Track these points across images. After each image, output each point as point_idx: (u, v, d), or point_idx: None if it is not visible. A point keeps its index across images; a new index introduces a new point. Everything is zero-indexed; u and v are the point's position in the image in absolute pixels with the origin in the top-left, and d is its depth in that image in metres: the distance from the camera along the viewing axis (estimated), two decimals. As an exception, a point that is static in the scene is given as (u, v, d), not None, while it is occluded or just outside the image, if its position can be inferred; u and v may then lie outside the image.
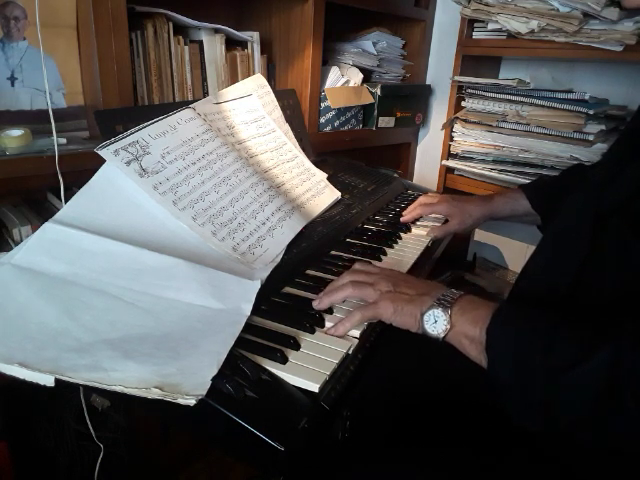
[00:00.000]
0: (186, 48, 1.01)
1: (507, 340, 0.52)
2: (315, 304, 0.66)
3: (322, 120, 1.30)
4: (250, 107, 0.97)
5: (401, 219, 1.02)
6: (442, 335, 0.56)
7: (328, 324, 0.63)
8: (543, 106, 1.26)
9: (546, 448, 0.59)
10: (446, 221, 1.03)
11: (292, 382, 0.52)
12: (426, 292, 0.60)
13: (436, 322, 0.57)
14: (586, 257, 0.60)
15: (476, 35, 1.38)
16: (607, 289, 0.57)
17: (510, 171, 1.35)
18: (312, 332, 0.60)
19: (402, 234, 0.97)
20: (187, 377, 0.48)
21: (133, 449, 1.07)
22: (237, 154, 0.84)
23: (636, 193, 0.57)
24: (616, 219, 0.58)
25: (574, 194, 0.70)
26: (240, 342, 0.55)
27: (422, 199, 1.06)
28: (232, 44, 1.13)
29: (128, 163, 0.68)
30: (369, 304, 0.63)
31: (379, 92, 1.39)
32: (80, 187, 0.67)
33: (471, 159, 1.46)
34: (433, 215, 1.06)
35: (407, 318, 0.59)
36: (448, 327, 0.56)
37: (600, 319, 0.53)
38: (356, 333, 0.61)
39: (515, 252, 1.64)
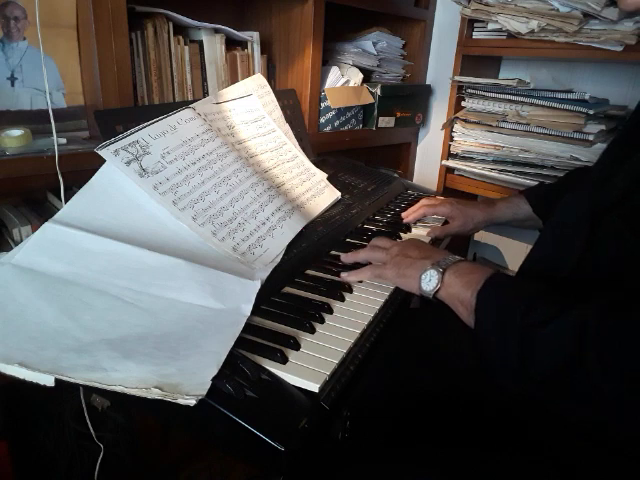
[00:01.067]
0: (186, 48, 1.01)
1: (494, 303, 0.56)
2: (342, 257, 0.78)
3: (322, 120, 1.30)
4: (250, 107, 0.97)
5: (404, 219, 1.02)
6: (432, 292, 0.62)
7: (329, 323, 0.63)
8: (543, 106, 1.26)
9: (546, 448, 0.59)
10: (446, 222, 1.03)
11: (292, 382, 0.52)
12: (428, 256, 0.66)
13: (430, 281, 0.62)
14: (583, 254, 0.61)
15: (476, 35, 1.37)
16: (604, 285, 0.58)
17: (510, 171, 1.35)
18: (312, 332, 0.60)
19: (402, 234, 0.97)
20: (187, 377, 0.48)
21: (133, 449, 1.07)
22: (237, 154, 0.84)
23: (633, 190, 0.57)
24: (613, 216, 0.58)
25: (571, 192, 0.71)
26: (240, 342, 0.55)
27: (425, 200, 1.06)
28: (232, 44, 1.13)
29: (128, 163, 0.68)
30: (379, 265, 0.71)
31: (379, 92, 1.39)
32: (80, 187, 0.67)
33: (471, 159, 1.46)
34: (434, 216, 1.06)
35: (407, 279, 0.66)
36: (439, 286, 0.61)
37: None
38: (357, 331, 0.61)
39: (515, 252, 1.64)
